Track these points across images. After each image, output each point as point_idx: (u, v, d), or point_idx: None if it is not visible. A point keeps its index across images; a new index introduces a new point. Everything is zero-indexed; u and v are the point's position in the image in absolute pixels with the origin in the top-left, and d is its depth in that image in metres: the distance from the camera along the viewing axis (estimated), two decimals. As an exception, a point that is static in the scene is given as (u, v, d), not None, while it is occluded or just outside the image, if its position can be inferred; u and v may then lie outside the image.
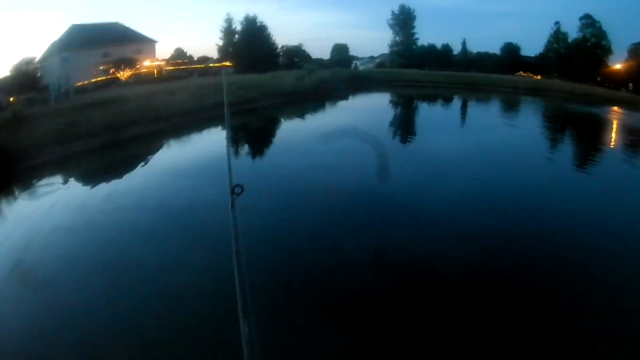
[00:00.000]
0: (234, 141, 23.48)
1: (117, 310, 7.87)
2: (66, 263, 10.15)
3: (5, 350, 6.82)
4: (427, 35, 65.20)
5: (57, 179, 19.36)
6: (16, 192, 17.39)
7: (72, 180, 19.12)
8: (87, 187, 17.91)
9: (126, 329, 7.37)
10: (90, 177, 19.25)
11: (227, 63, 51.32)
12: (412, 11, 61.53)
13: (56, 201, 15.12)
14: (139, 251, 10.43)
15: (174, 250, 10.32)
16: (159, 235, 11.41)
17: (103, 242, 11.06)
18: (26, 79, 47.89)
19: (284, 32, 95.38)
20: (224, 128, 27.60)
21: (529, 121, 31.04)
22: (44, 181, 18.56)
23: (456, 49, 62.16)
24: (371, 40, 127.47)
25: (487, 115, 32.98)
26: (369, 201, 13.65)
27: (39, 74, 51.36)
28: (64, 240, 11.31)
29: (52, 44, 52.72)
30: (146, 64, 47.07)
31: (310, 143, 21.74)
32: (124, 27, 54.85)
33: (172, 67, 47.47)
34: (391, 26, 62.45)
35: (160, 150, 23.58)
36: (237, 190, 2.66)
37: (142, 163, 20.78)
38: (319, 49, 79.10)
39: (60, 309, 8.06)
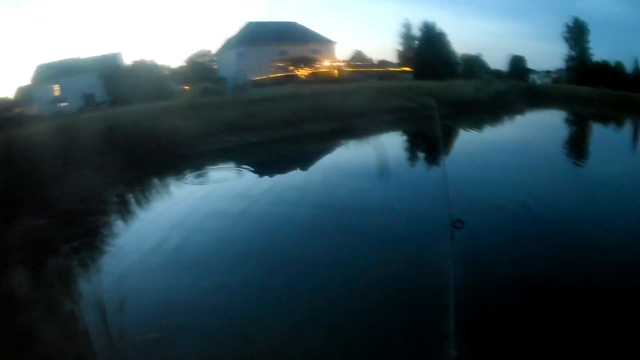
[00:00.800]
0: (411, 146, 23.06)
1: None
2: (215, 245, 9.78)
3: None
4: (600, 50, 59.46)
5: (227, 165, 19.43)
6: (186, 175, 17.66)
7: (240, 169, 18.62)
8: (254, 177, 17.43)
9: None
10: (259, 168, 18.74)
11: (407, 68, 49.85)
12: (586, 25, 56.48)
13: (220, 187, 15.15)
14: (298, 246, 9.52)
15: (326, 250, 9.13)
16: (320, 232, 10.33)
17: (257, 231, 10.55)
18: (201, 71, 49.29)
19: (460, 40, 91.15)
20: (402, 133, 27.11)
21: None
22: (214, 166, 18.91)
23: (628, 66, 54.47)
24: (548, 53, 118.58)
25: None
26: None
27: (214, 67, 52.62)
28: (218, 224, 11.00)
29: (228, 39, 54.26)
30: (325, 64, 46.03)
31: (491, 156, 19.59)
32: (302, 26, 55.16)
33: (351, 69, 45.28)
34: (566, 40, 57.32)
35: (334, 149, 22.53)
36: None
37: (314, 160, 19.90)
38: (495, 59, 73.82)
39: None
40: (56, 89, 48.81)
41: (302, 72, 43.00)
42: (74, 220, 11.28)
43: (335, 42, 55.18)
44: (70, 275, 6.78)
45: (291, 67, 44.50)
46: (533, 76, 58.57)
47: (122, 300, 5.97)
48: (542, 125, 30.10)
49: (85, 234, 10.51)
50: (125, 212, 13.27)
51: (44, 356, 5.06)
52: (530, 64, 60.53)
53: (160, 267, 8.48)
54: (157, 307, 6.81)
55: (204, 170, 18.38)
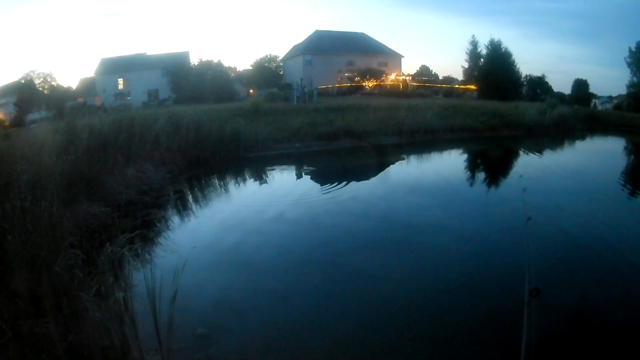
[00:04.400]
0: (473, 167, 21.55)
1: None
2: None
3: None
4: None
5: (286, 169, 19.81)
6: (244, 177, 17.89)
7: (302, 176, 18.71)
8: (311, 184, 17.34)
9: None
10: (317, 175, 18.69)
11: (472, 86, 48.92)
12: None
13: (280, 194, 14.81)
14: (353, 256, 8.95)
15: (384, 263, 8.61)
16: (376, 245, 9.71)
17: (315, 241, 9.96)
18: (268, 75, 49.70)
19: (525, 61, 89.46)
20: (464, 152, 25.92)
21: None
22: (276, 171, 18.95)
23: None
24: (611, 78, 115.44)
25: None
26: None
27: (281, 72, 52.77)
28: (272, 230, 10.58)
29: (295, 46, 54.45)
30: (392, 77, 44.54)
31: (558, 183, 16.96)
32: (370, 38, 55.02)
33: (417, 84, 44.27)
34: (629, 65, 54.18)
35: (397, 163, 21.64)
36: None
37: (376, 173, 19.23)
38: (559, 82, 72.33)
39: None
40: (120, 83, 49.83)
41: (368, 84, 42.31)
42: (132, 211, 11.08)
43: (402, 56, 55.04)
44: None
45: (357, 78, 43.96)
46: (595, 101, 58.56)
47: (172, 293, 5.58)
48: (606, 154, 28.23)
49: (141, 224, 10.34)
50: (181, 207, 13.10)
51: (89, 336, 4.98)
52: (594, 88, 60.41)
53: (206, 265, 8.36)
54: (201, 303, 6.77)
55: (265, 174, 18.26)
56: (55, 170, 8.96)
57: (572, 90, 59.51)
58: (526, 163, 21.75)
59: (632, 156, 27.32)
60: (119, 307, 5.23)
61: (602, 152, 28.81)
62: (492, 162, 23.30)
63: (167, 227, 10.88)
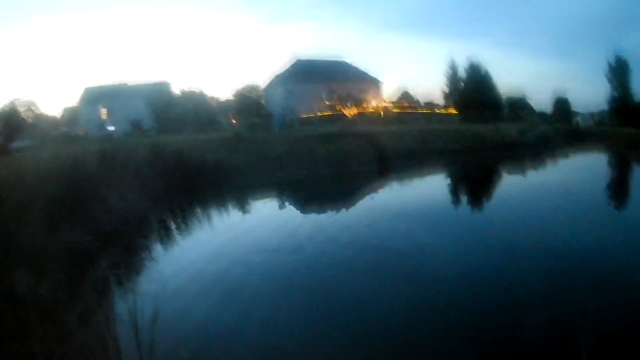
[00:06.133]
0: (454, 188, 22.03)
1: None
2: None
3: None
4: None
5: (267, 198, 20.11)
6: (226, 206, 17.97)
7: (283, 205, 19.02)
8: (296, 212, 17.63)
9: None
10: (301, 204, 18.98)
11: (453, 110, 49.55)
12: (627, 63, 54.78)
13: (262, 222, 15.15)
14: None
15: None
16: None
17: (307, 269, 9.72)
18: (249, 105, 50.09)
19: (505, 81, 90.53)
20: (447, 175, 26.24)
21: None
22: (257, 200, 19.40)
23: None
24: (593, 94, 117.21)
25: None
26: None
27: (262, 102, 53.16)
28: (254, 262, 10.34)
29: (276, 75, 54.69)
30: (372, 104, 45.10)
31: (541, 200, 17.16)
32: (350, 65, 55.46)
33: (397, 109, 44.85)
34: (609, 80, 55.57)
35: (379, 190, 21.50)
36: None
37: (358, 200, 19.00)
38: (540, 100, 72.93)
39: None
40: (103, 113, 49.95)
41: (349, 111, 42.82)
42: (114, 239, 11.36)
43: (382, 82, 55.62)
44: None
45: (338, 106, 44.48)
46: (577, 118, 58.26)
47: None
48: (588, 170, 28.46)
49: (123, 252, 10.68)
50: (162, 236, 13.33)
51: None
52: (575, 105, 60.25)
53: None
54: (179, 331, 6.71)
55: (247, 203, 18.50)
56: (39, 198, 9.05)
57: (553, 108, 59.33)
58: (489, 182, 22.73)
59: (606, 172, 28.01)
60: (102, 331, 5.23)
61: (577, 169, 29.54)
62: (469, 184, 23.74)
63: (148, 255, 11.02)
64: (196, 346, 6.43)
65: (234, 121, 45.87)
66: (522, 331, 6.65)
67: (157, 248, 11.88)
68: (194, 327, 6.94)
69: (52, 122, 47.72)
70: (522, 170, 26.71)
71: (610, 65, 54.98)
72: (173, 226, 14.72)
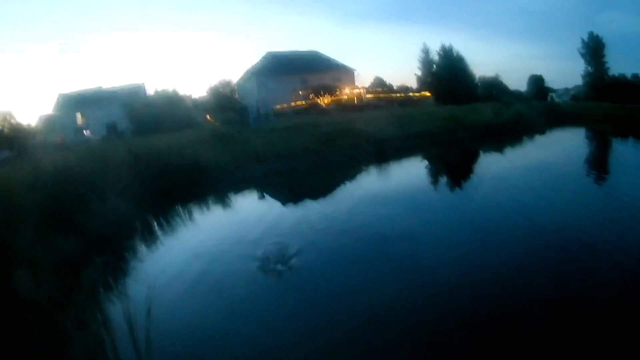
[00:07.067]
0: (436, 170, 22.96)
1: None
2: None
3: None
4: (617, 64, 57.47)
5: (251, 194, 20.54)
6: (209, 203, 18.37)
7: (267, 197, 19.43)
8: (279, 205, 17.94)
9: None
10: (284, 196, 19.43)
11: (426, 93, 49.43)
12: (601, 39, 56.86)
13: (249, 216, 15.45)
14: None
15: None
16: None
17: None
18: (223, 100, 49.95)
19: (479, 63, 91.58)
20: (421, 157, 26.97)
21: None
22: (242, 195, 19.94)
23: None
24: (566, 71, 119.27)
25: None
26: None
27: (236, 96, 53.20)
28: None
29: (249, 69, 54.81)
30: (346, 92, 45.61)
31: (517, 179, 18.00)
32: (322, 55, 55.73)
33: (371, 95, 44.99)
34: (582, 55, 57.86)
35: (356, 177, 22.16)
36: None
37: (337, 187, 19.61)
38: (516, 80, 74.32)
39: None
40: (79, 118, 49.76)
41: (323, 101, 43.00)
42: (102, 244, 11.49)
43: (355, 69, 56.25)
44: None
45: (312, 96, 44.61)
46: (552, 94, 59.39)
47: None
48: (562, 145, 29.90)
49: (113, 255, 10.90)
50: (149, 237, 13.52)
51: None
52: (550, 83, 62.18)
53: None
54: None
55: (232, 199, 18.72)
56: (25, 207, 9.30)
57: (527, 87, 61.04)
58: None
59: (577, 146, 28.50)
60: (99, 333, 5.58)
61: (550, 145, 30.24)
62: (446, 165, 24.52)
63: (136, 257, 11.29)
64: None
65: (208, 117, 45.89)
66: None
67: (144, 250, 12.12)
68: (188, 322, 7.21)
69: (29, 131, 47.27)
70: (499, 149, 27.54)
71: (584, 42, 56.76)
72: (157, 228, 14.90)
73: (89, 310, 6.14)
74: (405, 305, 7.34)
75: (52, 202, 11.62)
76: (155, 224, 15.41)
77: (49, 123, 49.19)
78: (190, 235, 13.79)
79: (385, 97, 46.97)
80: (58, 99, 51.39)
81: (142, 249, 12.28)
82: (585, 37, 57.42)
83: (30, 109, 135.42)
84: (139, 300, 6.55)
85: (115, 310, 6.64)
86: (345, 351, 6.21)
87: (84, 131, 46.45)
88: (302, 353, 6.33)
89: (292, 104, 43.72)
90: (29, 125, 50.43)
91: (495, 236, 10.48)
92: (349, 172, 22.68)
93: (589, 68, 57.31)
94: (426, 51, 56.64)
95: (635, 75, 55.73)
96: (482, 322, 6.65)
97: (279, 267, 9.48)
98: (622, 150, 25.31)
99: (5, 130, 44.65)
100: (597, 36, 56.91)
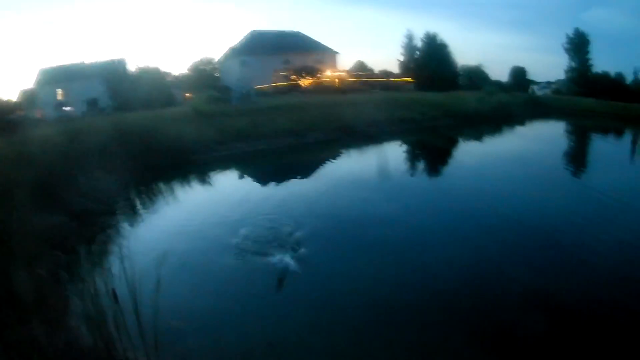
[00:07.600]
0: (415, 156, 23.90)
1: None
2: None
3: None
4: (602, 61, 57.58)
5: (235, 172, 21.06)
6: (192, 180, 18.80)
7: (245, 175, 20.01)
8: (258, 184, 18.41)
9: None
10: (264, 175, 19.70)
11: (408, 79, 50.00)
12: (586, 35, 56.49)
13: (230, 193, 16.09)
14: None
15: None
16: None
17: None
18: (204, 78, 49.44)
19: (463, 52, 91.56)
20: (403, 142, 27.39)
21: None
22: (224, 173, 20.42)
23: (628, 77, 54.44)
24: (549, 64, 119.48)
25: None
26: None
27: (217, 75, 52.70)
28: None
29: (231, 48, 54.17)
30: (328, 74, 46.01)
31: (493, 167, 19.65)
32: (305, 36, 55.38)
33: (353, 79, 45.03)
34: (567, 50, 57.32)
35: (337, 158, 23.21)
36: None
37: (319, 167, 20.36)
38: (498, 71, 74.59)
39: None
40: (59, 93, 48.91)
41: (304, 82, 43.16)
42: (88, 219, 11.65)
43: (337, 52, 55.84)
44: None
45: (294, 77, 44.69)
46: (533, 87, 59.93)
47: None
48: (541, 137, 30.64)
49: (99, 231, 10.97)
50: (133, 213, 13.83)
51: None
52: (532, 75, 61.63)
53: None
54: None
55: (214, 177, 19.15)
56: (13, 183, 9.53)
57: (510, 78, 60.71)
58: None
59: (558, 138, 29.33)
60: (101, 307, 5.50)
61: (527, 135, 31.30)
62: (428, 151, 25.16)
63: (120, 231, 11.57)
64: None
65: (188, 95, 45.67)
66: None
67: (128, 225, 12.39)
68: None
69: (9, 106, 46.41)
70: (480, 137, 28.35)
71: (569, 38, 56.39)
72: (140, 203, 15.15)
73: (77, 277, 6.33)
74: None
75: (39, 178, 11.68)
76: (138, 199, 15.62)
77: (30, 98, 48.37)
78: (172, 211, 14.14)
79: (367, 80, 47.21)
80: (39, 73, 50.39)
81: (126, 222, 12.55)
82: (571, 33, 57.09)
83: (11, 83, 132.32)
84: (118, 274, 6.48)
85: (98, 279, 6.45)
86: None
87: (64, 107, 45.78)
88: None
89: (274, 84, 43.77)
90: (9, 100, 49.67)
91: (461, 220, 11.60)
92: (327, 153, 23.35)
93: (573, 63, 57.13)
94: (410, 37, 56.47)
95: (619, 74, 55.56)
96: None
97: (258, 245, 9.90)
98: (599, 145, 26.62)
99: (-16, 106, 43.80)
100: (583, 33, 56.72)
